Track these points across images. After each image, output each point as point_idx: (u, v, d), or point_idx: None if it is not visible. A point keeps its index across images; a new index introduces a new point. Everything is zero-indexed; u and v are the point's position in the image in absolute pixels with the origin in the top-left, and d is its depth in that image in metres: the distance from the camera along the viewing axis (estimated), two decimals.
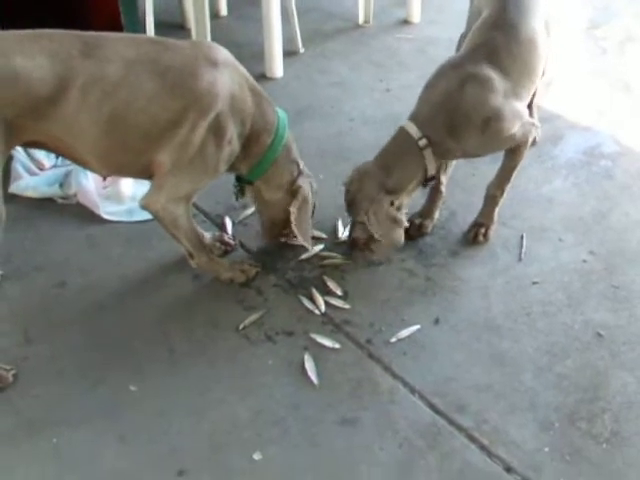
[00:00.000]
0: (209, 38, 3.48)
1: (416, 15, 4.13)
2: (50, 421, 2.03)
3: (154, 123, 2.08)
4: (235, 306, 2.38)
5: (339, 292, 2.43)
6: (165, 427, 2.02)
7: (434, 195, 2.66)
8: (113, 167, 2.20)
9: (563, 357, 2.22)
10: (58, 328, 2.30)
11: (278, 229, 2.50)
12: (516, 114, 2.39)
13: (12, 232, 2.60)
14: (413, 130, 2.35)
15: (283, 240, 2.56)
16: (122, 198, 2.78)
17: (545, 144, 3.10)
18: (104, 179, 2.62)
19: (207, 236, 2.53)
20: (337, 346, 2.24)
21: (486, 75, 2.34)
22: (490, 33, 2.43)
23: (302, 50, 3.84)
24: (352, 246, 2.48)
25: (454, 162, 2.67)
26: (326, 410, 2.07)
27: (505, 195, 2.58)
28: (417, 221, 2.65)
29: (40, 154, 2.89)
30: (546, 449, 1.96)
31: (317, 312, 2.36)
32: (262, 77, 3.56)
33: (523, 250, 2.59)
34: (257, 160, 2.31)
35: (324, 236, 2.62)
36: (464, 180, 2.84)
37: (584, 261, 2.55)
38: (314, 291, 2.42)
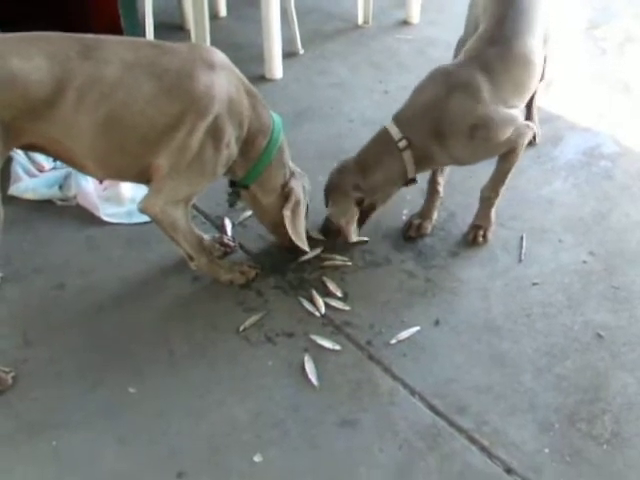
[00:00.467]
0: (208, 39, 3.48)
1: (415, 16, 4.13)
2: (49, 423, 2.03)
3: (151, 126, 2.08)
4: (235, 308, 2.38)
5: (339, 294, 2.43)
6: (164, 429, 2.02)
7: (432, 196, 2.66)
8: (111, 171, 2.20)
9: (563, 358, 2.22)
10: (57, 330, 2.30)
11: (285, 230, 2.46)
12: (507, 121, 2.38)
13: (11, 234, 2.61)
14: (394, 131, 2.36)
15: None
16: (122, 200, 2.78)
17: (545, 145, 3.10)
18: (100, 182, 2.63)
19: (207, 238, 2.53)
20: (337, 347, 2.24)
21: (476, 84, 2.34)
22: (485, 48, 2.43)
23: (302, 51, 3.84)
24: (323, 234, 2.58)
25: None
26: (326, 412, 2.07)
27: (500, 197, 2.58)
28: (416, 222, 2.65)
29: (40, 156, 2.89)
30: (546, 450, 1.96)
31: (317, 314, 2.36)
32: (262, 78, 3.56)
33: (523, 251, 2.59)
34: (253, 163, 2.31)
35: (323, 238, 2.62)
36: (462, 182, 2.84)
37: (584, 262, 2.55)
38: (314, 293, 2.42)
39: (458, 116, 2.32)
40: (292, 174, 2.40)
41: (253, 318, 2.33)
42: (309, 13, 4.14)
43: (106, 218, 2.71)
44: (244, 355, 2.23)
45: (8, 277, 2.47)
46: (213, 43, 3.39)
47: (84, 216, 2.72)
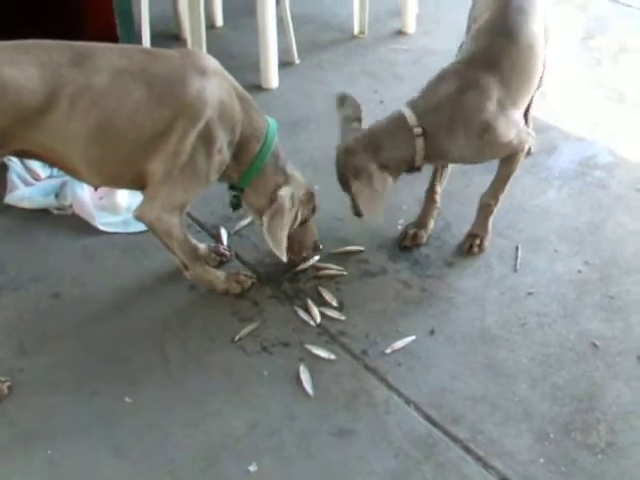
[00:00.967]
0: (205, 49, 3.49)
1: (411, 26, 4.14)
2: (45, 433, 2.03)
3: (143, 132, 2.08)
4: (231, 317, 2.38)
5: (334, 303, 2.43)
6: (160, 439, 2.02)
7: (429, 205, 2.67)
8: (105, 177, 2.20)
9: (558, 368, 2.22)
10: (53, 339, 2.30)
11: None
12: (512, 123, 2.40)
13: (7, 243, 2.63)
14: (411, 117, 2.34)
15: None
16: (118, 209, 2.78)
17: (540, 155, 3.11)
18: (95, 189, 2.63)
19: (202, 247, 2.53)
20: (332, 357, 2.25)
21: (485, 84, 2.35)
22: (490, 38, 2.44)
23: (298, 61, 3.84)
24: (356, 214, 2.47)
25: (449, 171, 2.67)
26: (321, 421, 2.07)
27: (499, 205, 2.59)
28: (412, 231, 2.65)
29: (36, 164, 2.89)
30: (541, 460, 1.97)
31: (312, 323, 2.36)
32: (258, 88, 3.57)
33: (518, 261, 2.60)
34: (246, 168, 2.30)
35: (320, 247, 2.61)
36: (459, 191, 2.85)
37: (579, 271, 2.56)
38: (309, 302, 2.42)
39: (470, 114, 2.33)
40: (287, 182, 2.35)
41: (249, 328, 2.33)
42: (305, 23, 4.15)
43: (102, 227, 2.71)
44: (240, 365, 2.23)
45: (4, 286, 2.47)
46: (209, 52, 3.36)
47: (80, 225, 2.73)
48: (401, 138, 2.36)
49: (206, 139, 2.14)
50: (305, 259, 2.55)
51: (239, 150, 2.26)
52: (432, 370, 2.22)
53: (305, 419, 2.07)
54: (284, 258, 2.31)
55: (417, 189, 2.65)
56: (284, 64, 3.74)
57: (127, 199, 2.79)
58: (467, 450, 1.99)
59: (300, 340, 2.30)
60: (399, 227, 2.71)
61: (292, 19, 3.72)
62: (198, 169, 2.17)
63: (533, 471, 1.94)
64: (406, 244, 2.63)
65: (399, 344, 2.29)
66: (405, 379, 2.19)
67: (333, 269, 2.55)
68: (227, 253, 2.59)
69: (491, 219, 2.61)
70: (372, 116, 3.36)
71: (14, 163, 2.85)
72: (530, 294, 2.47)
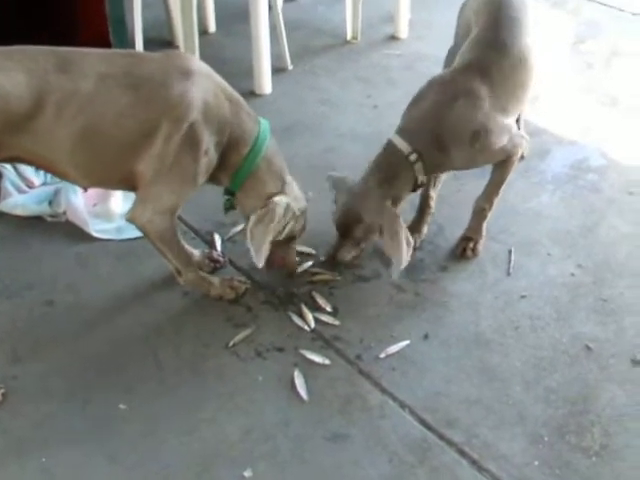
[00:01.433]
0: (198, 55, 3.50)
1: (404, 31, 4.16)
2: (39, 440, 2.02)
3: (129, 135, 2.08)
4: (225, 323, 2.38)
5: (328, 308, 2.43)
6: (155, 445, 2.02)
7: (423, 210, 2.67)
8: (93, 179, 2.21)
9: (552, 371, 2.22)
10: (47, 347, 2.29)
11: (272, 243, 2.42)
12: (504, 128, 2.41)
13: (1, 250, 2.63)
14: (402, 145, 2.35)
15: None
16: (111, 216, 2.78)
17: (532, 159, 3.12)
18: (85, 190, 2.63)
19: (196, 253, 2.53)
20: (327, 362, 2.25)
21: (476, 91, 2.35)
22: (482, 50, 2.45)
23: (290, 67, 3.86)
24: (337, 264, 2.48)
25: (443, 177, 2.68)
26: (316, 426, 2.07)
27: (493, 209, 2.59)
28: None
29: (29, 172, 2.89)
30: (536, 463, 1.97)
31: (307, 328, 2.36)
32: (251, 94, 3.57)
33: (511, 264, 2.60)
34: (235, 170, 2.29)
35: (313, 252, 2.62)
36: (451, 195, 2.86)
37: (572, 275, 2.57)
38: (303, 307, 2.42)
39: (460, 125, 2.34)
40: (283, 190, 2.32)
41: (243, 333, 2.33)
42: (298, 29, 4.16)
43: (96, 234, 2.71)
44: (234, 370, 2.23)
45: None
46: (202, 58, 3.35)
47: (74, 232, 2.72)
48: (402, 169, 2.36)
49: (191, 141, 2.13)
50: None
51: (227, 151, 2.24)
52: (426, 374, 2.22)
53: (299, 424, 2.07)
54: (260, 264, 2.27)
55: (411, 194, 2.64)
56: (277, 70, 3.75)
57: (121, 206, 2.79)
58: (462, 454, 1.99)
59: (294, 345, 2.31)
60: None
61: (285, 25, 3.73)
62: (185, 171, 2.16)
63: (527, 474, 1.94)
64: None
65: (393, 349, 2.29)
66: (399, 383, 2.19)
67: (327, 274, 2.55)
68: (221, 259, 2.60)
69: (485, 223, 2.62)
70: (366, 121, 3.41)
71: (8, 170, 2.85)
72: (523, 297, 2.48)
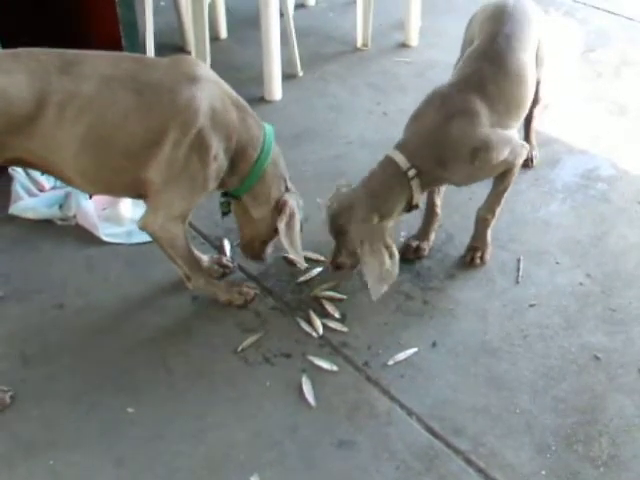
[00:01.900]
0: (209, 61, 3.51)
1: (414, 39, 4.16)
2: (47, 443, 2.03)
3: (133, 140, 2.08)
4: (233, 328, 2.39)
5: (337, 315, 2.43)
6: (162, 450, 2.02)
7: (430, 217, 2.67)
8: (99, 185, 2.21)
9: (560, 380, 2.22)
10: (56, 350, 2.30)
11: (255, 246, 2.47)
12: (504, 141, 2.40)
13: (11, 253, 2.64)
14: (401, 160, 2.34)
15: (257, 260, 2.53)
16: (121, 220, 2.79)
17: (542, 168, 3.12)
18: (90, 197, 2.64)
19: (205, 258, 2.54)
20: (335, 368, 2.25)
21: (473, 108, 2.35)
22: (479, 64, 2.45)
23: (301, 73, 3.86)
24: (335, 269, 2.46)
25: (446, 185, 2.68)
26: (323, 432, 2.07)
27: (497, 218, 2.59)
28: (414, 244, 2.66)
29: (40, 175, 2.90)
30: (543, 472, 1.97)
31: (315, 334, 2.36)
32: (261, 100, 3.59)
33: (520, 273, 2.60)
34: (244, 176, 2.30)
35: (322, 258, 2.62)
36: (461, 204, 2.86)
37: (581, 284, 2.56)
38: (312, 314, 2.43)
39: (459, 142, 2.33)
40: (288, 188, 2.38)
41: (251, 339, 2.34)
42: (308, 35, 4.17)
43: (105, 238, 2.72)
44: (242, 375, 2.23)
45: (8, 296, 2.48)
46: (213, 64, 3.41)
47: (84, 236, 2.74)
48: (397, 184, 2.35)
49: (200, 147, 2.13)
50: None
51: (236, 157, 2.24)
52: (434, 382, 2.22)
53: (307, 430, 2.08)
54: (303, 262, 2.37)
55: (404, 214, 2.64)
56: (287, 76, 3.76)
57: (131, 210, 2.80)
58: (468, 462, 1.99)
59: (302, 351, 2.31)
60: (401, 239, 2.71)
61: (295, 32, 3.74)
62: (195, 177, 2.16)
63: None
64: (408, 256, 2.64)
65: (401, 356, 2.29)
66: (407, 391, 2.19)
67: (335, 281, 2.55)
68: (230, 264, 2.60)
69: (489, 232, 2.62)
70: (375, 128, 3.41)
71: (18, 174, 2.87)
72: (532, 306, 2.48)
